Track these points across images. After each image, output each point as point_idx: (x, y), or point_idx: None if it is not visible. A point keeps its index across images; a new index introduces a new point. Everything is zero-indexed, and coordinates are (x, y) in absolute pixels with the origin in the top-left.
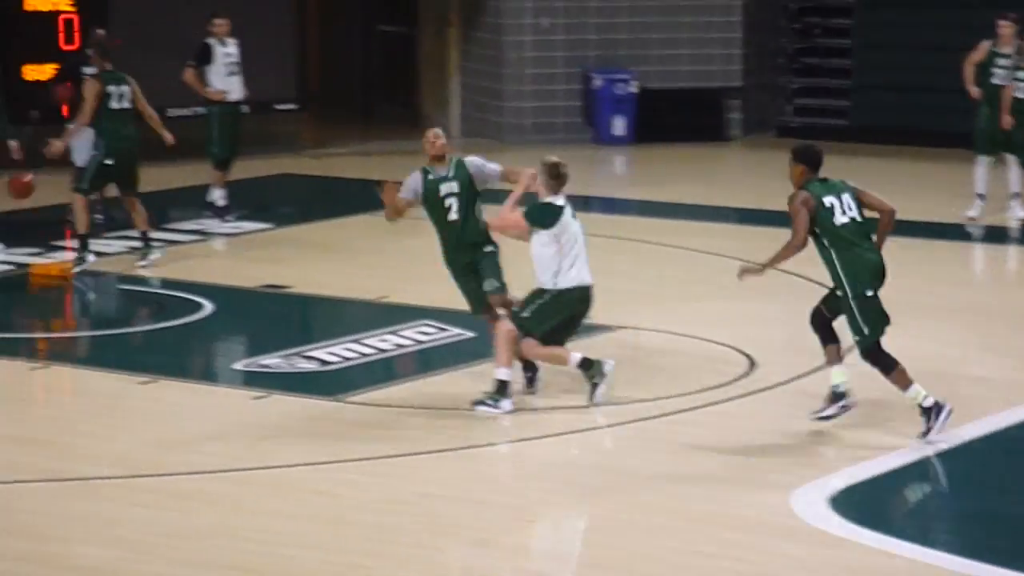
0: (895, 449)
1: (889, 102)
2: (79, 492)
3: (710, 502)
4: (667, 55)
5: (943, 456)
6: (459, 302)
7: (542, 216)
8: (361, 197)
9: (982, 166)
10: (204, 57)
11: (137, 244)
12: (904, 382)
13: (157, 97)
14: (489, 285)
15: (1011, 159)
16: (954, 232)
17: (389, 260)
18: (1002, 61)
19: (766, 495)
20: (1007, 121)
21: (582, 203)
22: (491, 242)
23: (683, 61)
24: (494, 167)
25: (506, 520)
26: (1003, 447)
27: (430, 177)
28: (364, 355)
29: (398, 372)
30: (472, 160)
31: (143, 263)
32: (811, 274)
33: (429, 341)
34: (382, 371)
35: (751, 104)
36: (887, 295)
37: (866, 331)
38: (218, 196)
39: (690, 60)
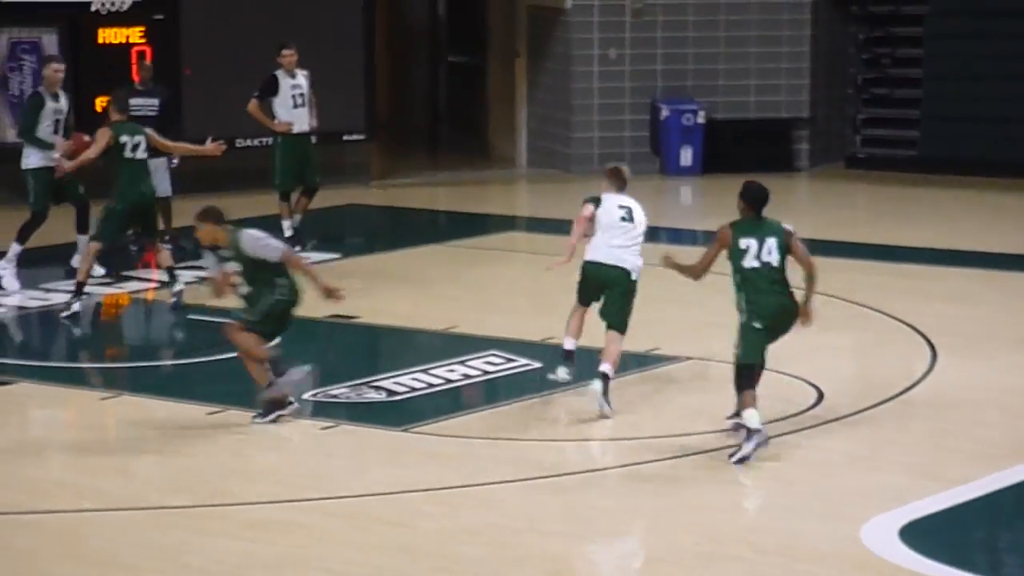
0: (965, 482)
1: (959, 132)
2: (149, 521)
3: (781, 534)
4: (735, 85)
5: (1016, 489)
6: (527, 332)
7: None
8: (430, 228)
9: None
10: (270, 89)
11: (165, 279)
12: (747, 404)
13: (225, 127)
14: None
15: None
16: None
17: (457, 290)
18: None
19: (836, 527)
20: None
21: (651, 233)
22: None
23: (751, 91)
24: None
25: (578, 552)
26: None
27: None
28: (432, 385)
29: (466, 402)
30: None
31: (174, 297)
32: (885, 307)
33: (496, 371)
34: (450, 401)
35: (819, 134)
36: (963, 330)
37: (740, 352)
38: (286, 227)
39: (758, 90)
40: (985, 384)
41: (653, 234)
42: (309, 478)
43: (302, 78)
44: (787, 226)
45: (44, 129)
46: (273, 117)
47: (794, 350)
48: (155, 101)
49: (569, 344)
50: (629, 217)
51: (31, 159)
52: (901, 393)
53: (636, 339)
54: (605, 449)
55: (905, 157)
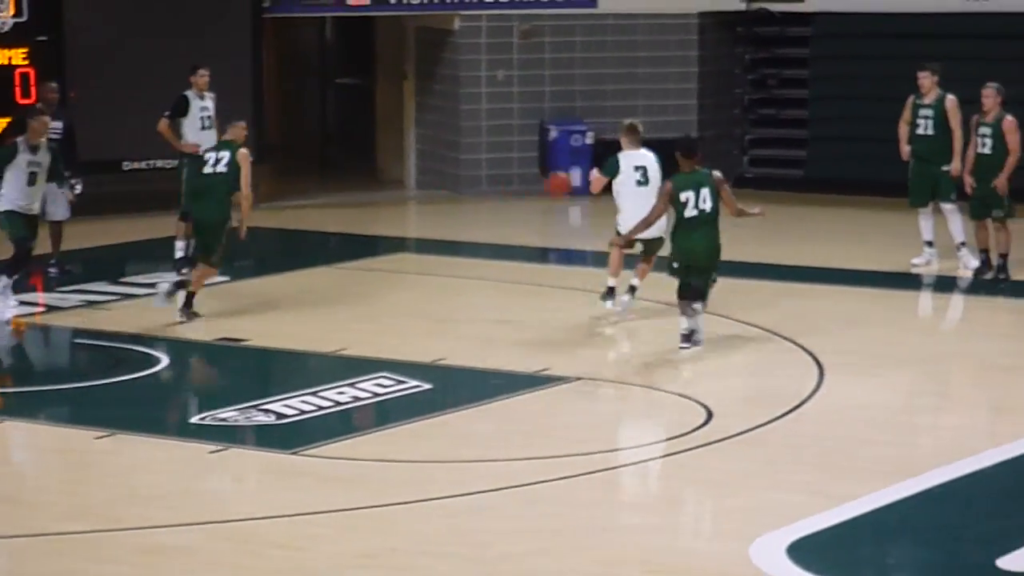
0: (852, 499)
1: (844, 152)
2: (40, 548)
3: (672, 553)
4: (623, 106)
5: (902, 505)
6: (417, 354)
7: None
8: (319, 250)
9: (922, 216)
10: (180, 109)
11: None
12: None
13: (112, 150)
14: None
15: (946, 208)
16: (909, 281)
17: (346, 312)
18: (924, 111)
19: (726, 545)
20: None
21: (540, 254)
22: None
23: (639, 112)
24: None
25: (473, 573)
26: (961, 496)
27: None
28: (321, 408)
29: (356, 424)
30: None
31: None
32: (773, 326)
33: (386, 393)
34: (340, 424)
35: (707, 155)
36: (850, 349)
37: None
38: (179, 247)
39: (646, 111)
40: (872, 402)
41: (543, 255)
42: (200, 502)
43: (210, 100)
44: (716, 173)
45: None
46: (181, 138)
47: (683, 370)
48: (59, 124)
49: (611, 281)
50: (644, 179)
51: None
52: (789, 412)
53: (525, 360)
54: (499, 470)
55: (792, 177)
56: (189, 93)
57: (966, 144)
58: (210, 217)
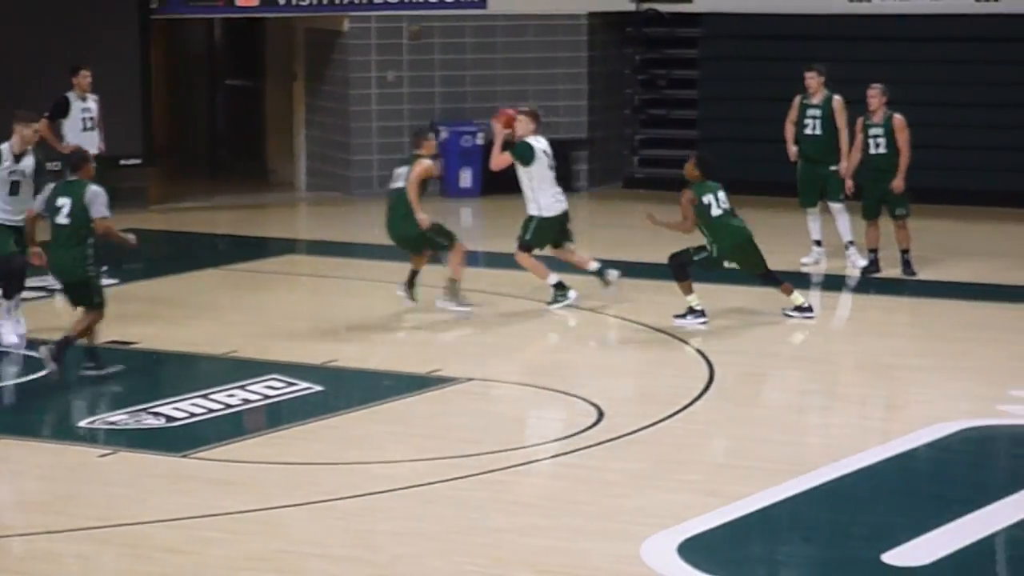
0: (743, 497)
1: (734, 153)
2: None
3: (563, 554)
4: (513, 107)
5: (791, 503)
6: (308, 356)
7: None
8: (209, 252)
9: (810, 216)
10: (60, 110)
11: None
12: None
13: None
14: None
15: (835, 208)
16: (799, 280)
17: (237, 314)
18: (812, 111)
19: (617, 545)
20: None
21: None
22: None
23: None
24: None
25: (366, 574)
26: (849, 493)
27: None
28: (212, 410)
29: (247, 427)
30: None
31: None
32: (663, 325)
33: (277, 395)
34: (230, 426)
35: (598, 155)
36: (739, 348)
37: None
38: None
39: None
40: (762, 401)
41: (434, 256)
42: (87, 507)
43: (92, 101)
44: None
45: None
46: (62, 139)
47: (574, 369)
48: None
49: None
50: (553, 162)
51: None
52: (680, 411)
53: (417, 361)
54: (389, 471)
55: (682, 177)
56: (70, 94)
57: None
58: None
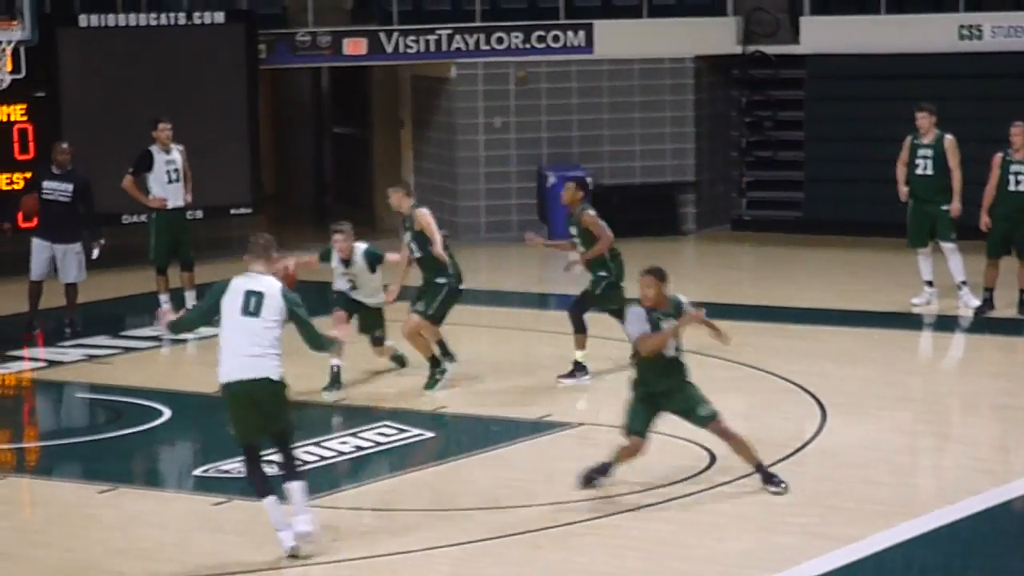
0: (854, 540)
1: (840, 193)
2: None
3: None
4: (620, 151)
5: (904, 546)
6: (418, 403)
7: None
8: (318, 300)
9: (921, 257)
10: (144, 164)
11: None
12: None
13: (110, 204)
14: None
15: (946, 247)
16: (910, 321)
17: (347, 362)
18: (923, 151)
19: None
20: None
21: (539, 300)
22: None
23: (636, 157)
24: None
25: None
26: (963, 536)
27: None
28: (324, 458)
29: (359, 474)
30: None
31: None
32: (773, 368)
33: (389, 442)
34: (343, 473)
35: (704, 198)
36: (849, 389)
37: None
38: (163, 300)
39: (643, 155)
40: (872, 443)
41: (543, 301)
42: (199, 555)
43: (177, 153)
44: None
45: None
46: (148, 192)
47: None
48: (68, 187)
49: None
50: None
51: None
52: (791, 454)
53: (527, 406)
54: (498, 517)
55: (789, 219)
56: (153, 148)
57: (970, 183)
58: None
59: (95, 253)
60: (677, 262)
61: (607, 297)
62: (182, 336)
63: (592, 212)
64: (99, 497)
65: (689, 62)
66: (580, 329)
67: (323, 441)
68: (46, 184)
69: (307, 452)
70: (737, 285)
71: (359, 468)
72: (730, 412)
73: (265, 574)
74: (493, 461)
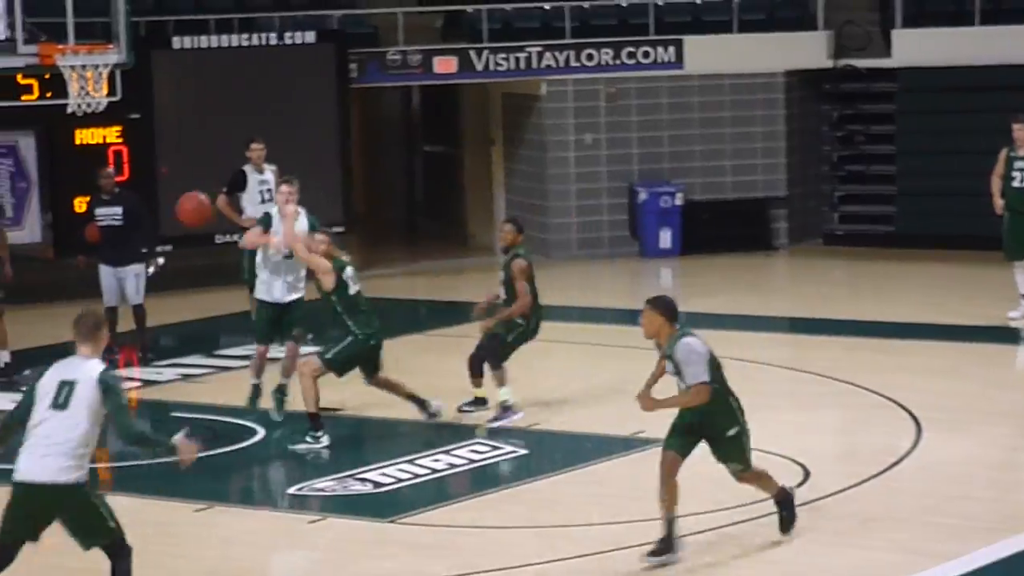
0: (955, 557)
1: (934, 207)
2: None
3: None
4: (711, 166)
5: (1004, 563)
6: (513, 419)
7: None
8: (410, 317)
9: (1017, 269)
10: (238, 184)
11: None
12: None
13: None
14: None
15: None
16: (1006, 335)
17: (438, 379)
18: (1019, 164)
19: None
20: None
21: (629, 316)
22: None
23: (727, 172)
24: None
25: None
26: None
27: None
28: (417, 475)
29: (452, 492)
30: None
31: None
32: (868, 383)
33: (481, 459)
34: (436, 491)
35: (796, 212)
36: (946, 404)
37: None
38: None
39: (734, 171)
40: (970, 458)
41: (635, 318)
42: (296, 573)
43: (270, 173)
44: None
45: None
46: (241, 212)
47: (779, 429)
48: (118, 210)
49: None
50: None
51: None
52: (887, 469)
53: (619, 423)
54: (590, 534)
55: (882, 233)
56: (246, 167)
57: None
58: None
59: (151, 271)
60: (769, 277)
61: (514, 346)
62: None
63: (524, 263)
64: (195, 515)
65: (780, 76)
66: (479, 373)
67: (416, 459)
68: (98, 211)
69: (400, 470)
70: (830, 300)
71: (451, 485)
72: (824, 427)
73: None
74: (586, 477)
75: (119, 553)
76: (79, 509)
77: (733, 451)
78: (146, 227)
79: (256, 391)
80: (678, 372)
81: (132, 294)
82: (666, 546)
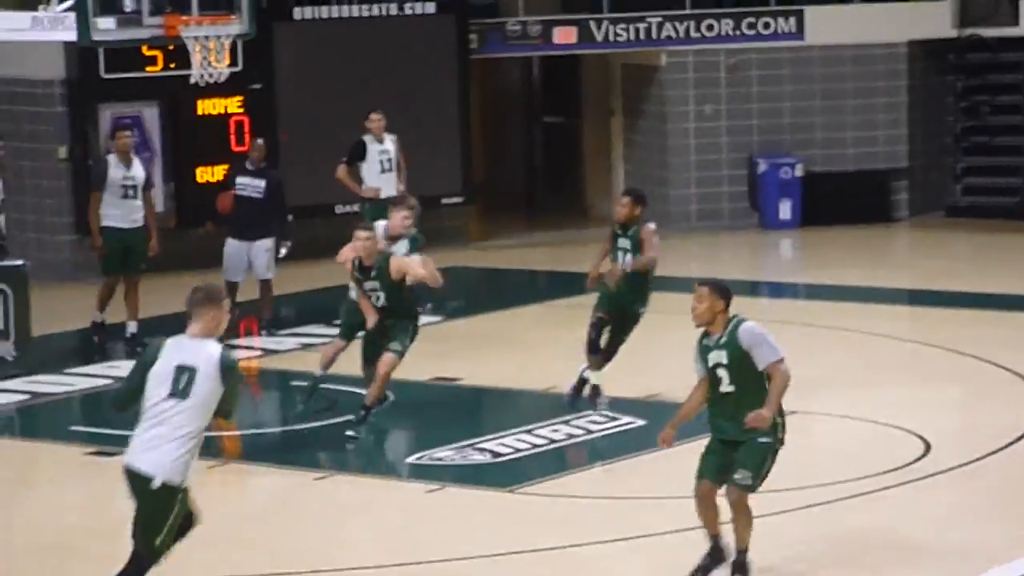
0: None
1: None
2: None
3: None
4: (832, 138)
5: None
6: (628, 390)
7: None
8: (529, 288)
9: None
10: (357, 154)
11: None
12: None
13: (324, 194)
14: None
15: None
16: None
17: (557, 350)
18: None
19: None
20: None
21: (751, 288)
22: None
23: (848, 143)
24: None
25: None
26: None
27: None
28: (536, 446)
29: (570, 462)
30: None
31: None
32: (991, 357)
33: (599, 430)
34: (554, 461)
35: (918, 184)
36: None
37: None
38: None
39: (855, 142)
40: None
41: (754, 288)
42: (414, 543)
43: (390, 143)
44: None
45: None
46: (361, 182)
47: (899, 402)
48: (261, 183)
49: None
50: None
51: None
52: (1010, 444)
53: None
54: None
55: (1007, 205)
56: (366, 137)
57: None
58: None
59: (282, 252)
60: (890, 250)
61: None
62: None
63: (653, 226)
64: (314, 484)
65: (902, 47)
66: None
67: (534, 429)
68: (240, 180)
69: (518, 440)
70: (953, 273)
71: (570, 456)
72: (948, 401)
73: (473, 562)
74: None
75: (139, 567)
76: (157, 508)
77: (753, 458)
78: (282, 206)
79: (317, 383)
80: (731, 362)
81: (262, 269)
82: (715, 558)
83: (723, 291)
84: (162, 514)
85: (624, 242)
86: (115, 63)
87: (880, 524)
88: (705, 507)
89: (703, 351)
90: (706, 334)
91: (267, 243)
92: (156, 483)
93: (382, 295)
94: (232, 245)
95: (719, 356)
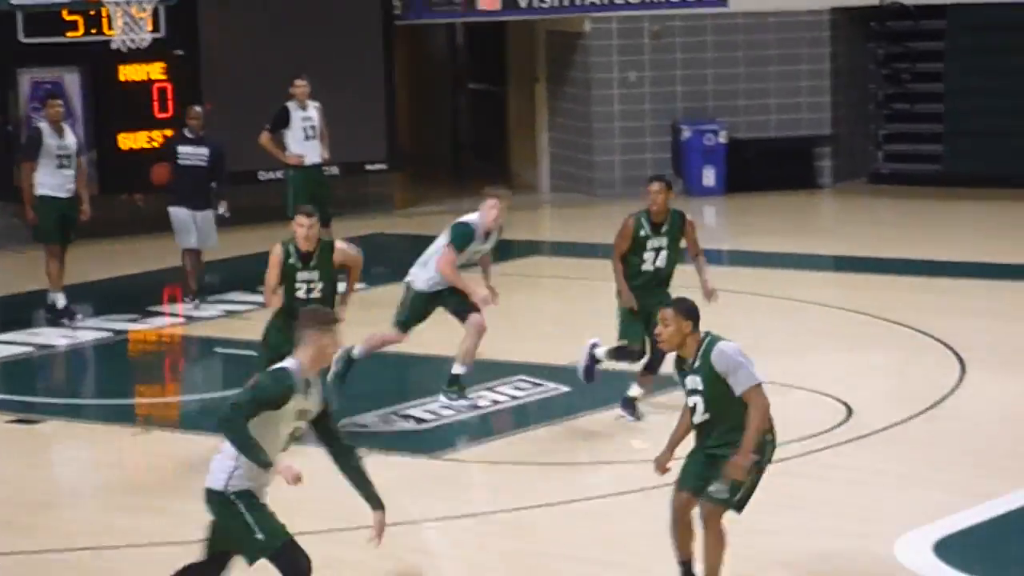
0: (998, 496)
1: (981, 146)
2: (186, 557)
3: (814, 552)
4: (755, 104)
5: None
6: (554, 357)
7: None
8: None
9: None
10: (281, 121)
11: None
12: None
13: (247, 161)
14: None
15: None
16: None
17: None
18: None
19: (869, 544)
20: None
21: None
22: None
23: (771, 110)
24: None
25: None
26: None
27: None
28: (460, 412)
29: (495, 428)
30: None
31: None
32: (913, 322)
33: (524, 396)
34: (479, 427)
35: (841, 151)
36: (992, 344)
37: None
38: None
39: (778, 108)
40: (1016, 399)
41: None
42: (338, 509)
43: (313, 110)
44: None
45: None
46: (285, 149)
47: (823, 368)
48: (204, 151)
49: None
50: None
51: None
52: (930, 408)
53: (667, 360)
54: (636, 471)
55: (929, 172)
56: (290, 104)
57: None
58: None
59: (221, 209)
60: (814, 216)
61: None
62: None
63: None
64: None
65: (826, 14)
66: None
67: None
68: (182, 149)
69: (442, 406)
70: (876, 240)
71: (494, 422)
72: (869, 367)
73: (399, 528)
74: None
75: (285, 561)
76: (224, 517)
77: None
78: (224, 173)
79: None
80: (705, 388)
81: (205, 239)
82: None
83: (689, 311)
84: (235, 514)
85: (659, 240)
86: (35, 27)
87: (801, 489)
88: (678, 523)
89: (680, 377)
90: (679, 358)
91: (210, 213)
92: (216, 488)
93: (318, 287)
94: (181, 212)
95: (694, 382)
